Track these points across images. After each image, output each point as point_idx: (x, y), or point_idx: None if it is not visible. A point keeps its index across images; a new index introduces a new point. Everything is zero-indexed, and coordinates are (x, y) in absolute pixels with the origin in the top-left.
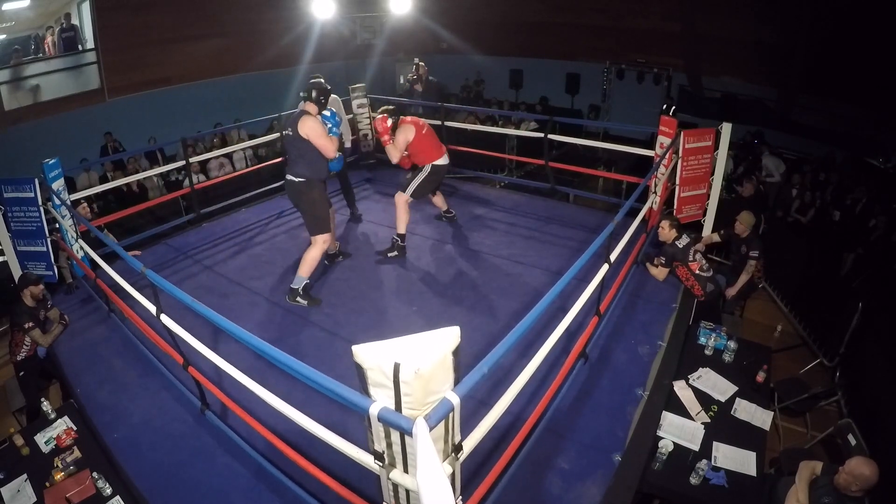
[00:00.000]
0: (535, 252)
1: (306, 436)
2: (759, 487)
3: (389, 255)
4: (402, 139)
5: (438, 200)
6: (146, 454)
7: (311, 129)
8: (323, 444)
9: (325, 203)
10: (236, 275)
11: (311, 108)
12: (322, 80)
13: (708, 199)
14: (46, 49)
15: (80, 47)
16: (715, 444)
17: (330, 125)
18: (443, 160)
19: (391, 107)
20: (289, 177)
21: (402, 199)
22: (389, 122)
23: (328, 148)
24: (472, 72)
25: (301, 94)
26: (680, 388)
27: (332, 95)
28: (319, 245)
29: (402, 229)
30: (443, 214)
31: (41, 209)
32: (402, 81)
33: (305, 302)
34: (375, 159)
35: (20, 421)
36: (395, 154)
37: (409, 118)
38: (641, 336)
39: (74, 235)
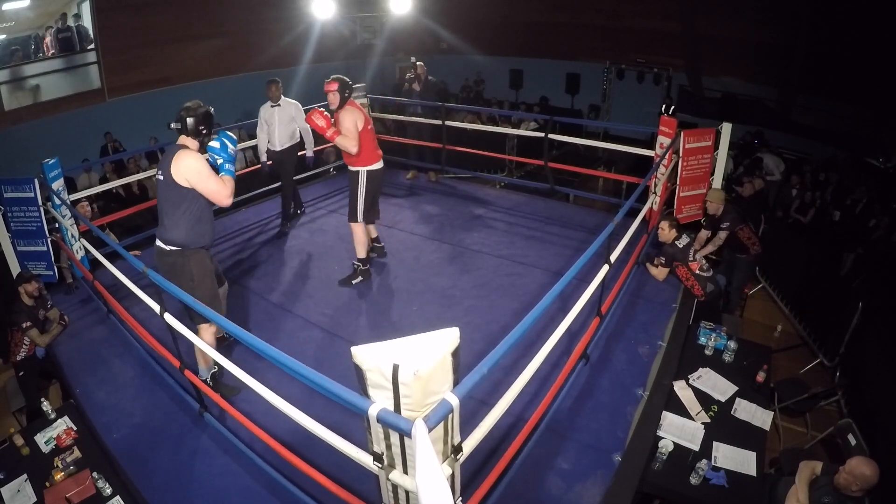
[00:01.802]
0: (535, 252)
1: (305, 437)
2: (759, 487)
3: (354, 281)
4: (352, 124)
5: (370, 227)
6: (146, 454)
7: (192, 169)
8: (322, 446)
9: (210, 277)
10: (236, 275)
11: (190, 142)
12: (199, 105)
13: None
14: (45, 49)
15: (77, 48)
16: (715, 444)
17: (222, 159)
18: (379, 164)
19: (341, 76)
20: (158, 243)
21: (357, 227)
22: (336, 101)
23: (220, 192)
24: (472, 72)
25: (171, 124)
26: (680, 388)
27: (287, 100)
28: (207, 333)
29: (361, 254)
30: (372, 244)
31: (41, 209)
32: (405, 85)
33: (212, 385)
34: None
35: (20, 421)
36: (352, 143)
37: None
38: (641, 336)
39: (74, 235)
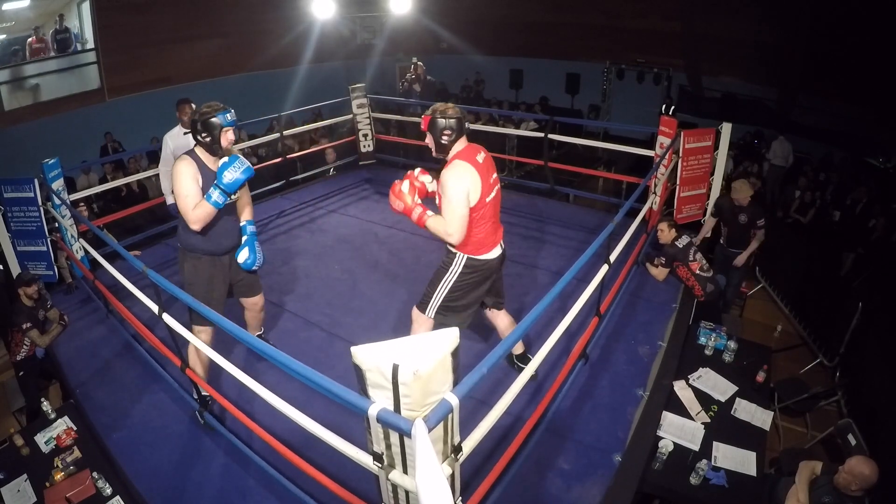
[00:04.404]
0: (535, 252)
1: (305, 437)
2: (759, 487)
3: None
4: (459, 195)
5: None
6: (146, 454)
7: (175, 175)
8: (322, 445)
9: (202, 286)
10: None
11: (199, 148)
12: (207, 109)
13: (708, 199)
14: (28, 50)
15: (78, 47)
16: (715, 444)
17: (220, 169)
18: (493, 253)
19: (442, 105)
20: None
21: (421, 320)
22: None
23: (183, 211)
24: (472, 72)
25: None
26: (680, 388)
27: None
28: (200, 335)
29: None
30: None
31: (41, 209)
32: (405, 85)
33: None
34: (375, 159)
35: (20, 421)
36: (451, 228)
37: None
38: (641, 336)
39: (74, 235)
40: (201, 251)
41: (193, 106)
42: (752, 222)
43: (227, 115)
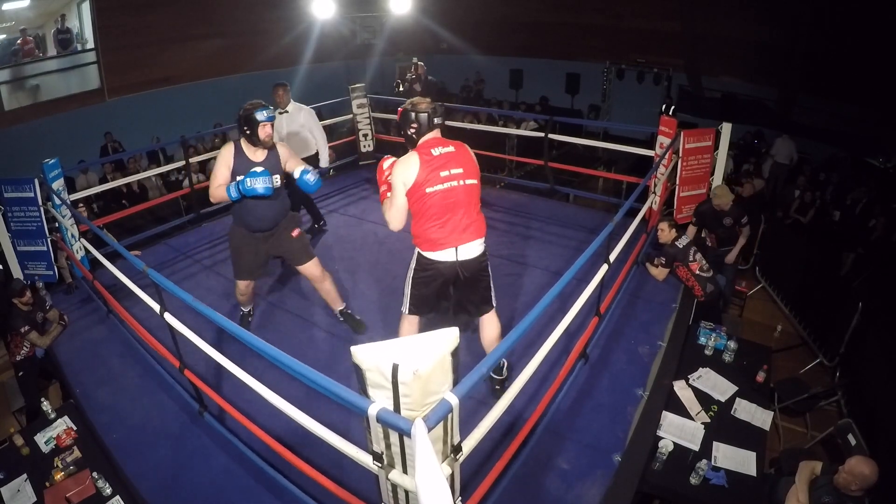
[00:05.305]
0: (535, 252)
1: (305, 437)
2: (759, 487)
3: None
4: (398, 181)
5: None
6: (145, 454)
7: (218, 156)
8: (321, 445)
9: (242, 256)
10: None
11: (243, 139)
12: (248, 106)
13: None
14: (21, 49)
15: (78, 47)
16: (715, 444)
17: (246, 176)
18: (442, 253)
19: (416, 101)
20: None
21: (403, 321)
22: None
23: (210, 184)
24: (472, 72)
25: None
26: (680, 388)
27: (298, 105)
28: (240, 286)
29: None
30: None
31: (41, 209)
32: (398, 87)
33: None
34: (375, 159)
35: (20, 421)
36: (389, 214)
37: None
38: (641, 336)
39: (74, 235)
40: (243, 224)
41: (288, 89)
42: (737, 222)
43: (265, 112)
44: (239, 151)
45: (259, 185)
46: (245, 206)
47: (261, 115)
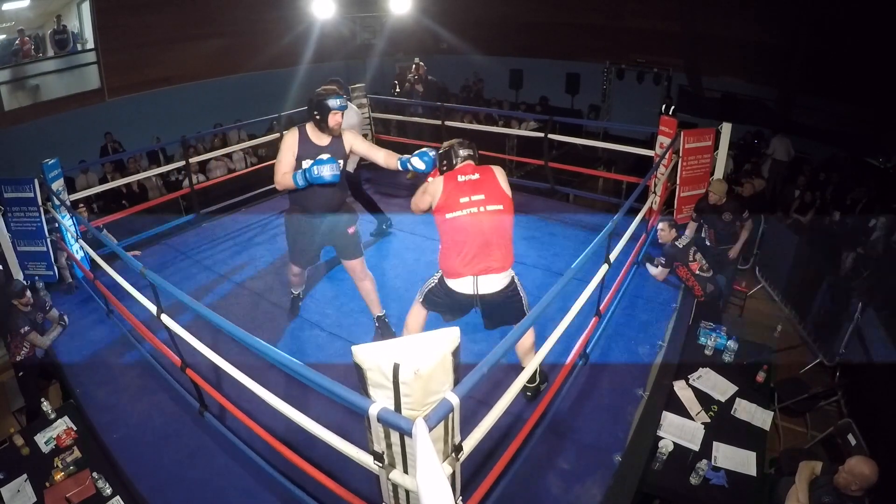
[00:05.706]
0: (535, 252)
1: (305, 437)
2: (759, 487)
3: None
4: (422, 191)
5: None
6: (146, 454)
7: (282, 141)
8: (322, 445)
9: (295, 237)
10: (236, 275)
11: (310, 124)
12: (320, 91)
13: None
14: (21, 49)
15: (78, 47)
16: (715, 444)
17: (313, 163)
18: (460, 282)
19: (453, 142)
20: None
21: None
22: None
23: (275, 171)
24: (472, 72)
25: None
26: (680, 388)
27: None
28: (293, 269)
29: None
30: None
31: (41, 209)
32: (396, 88)
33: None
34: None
35: (20, 421)
36: (414, 203)
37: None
38: (641, 336)
39: (74, 236)
40: (298, 206)
41: (342, 86)
42: (737, 216)
43: (339, 100)
44: (304, 137)
45: (326, 172)
46: (306, 189)
47: (333, 103)
